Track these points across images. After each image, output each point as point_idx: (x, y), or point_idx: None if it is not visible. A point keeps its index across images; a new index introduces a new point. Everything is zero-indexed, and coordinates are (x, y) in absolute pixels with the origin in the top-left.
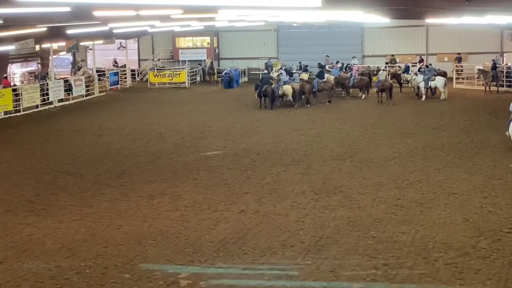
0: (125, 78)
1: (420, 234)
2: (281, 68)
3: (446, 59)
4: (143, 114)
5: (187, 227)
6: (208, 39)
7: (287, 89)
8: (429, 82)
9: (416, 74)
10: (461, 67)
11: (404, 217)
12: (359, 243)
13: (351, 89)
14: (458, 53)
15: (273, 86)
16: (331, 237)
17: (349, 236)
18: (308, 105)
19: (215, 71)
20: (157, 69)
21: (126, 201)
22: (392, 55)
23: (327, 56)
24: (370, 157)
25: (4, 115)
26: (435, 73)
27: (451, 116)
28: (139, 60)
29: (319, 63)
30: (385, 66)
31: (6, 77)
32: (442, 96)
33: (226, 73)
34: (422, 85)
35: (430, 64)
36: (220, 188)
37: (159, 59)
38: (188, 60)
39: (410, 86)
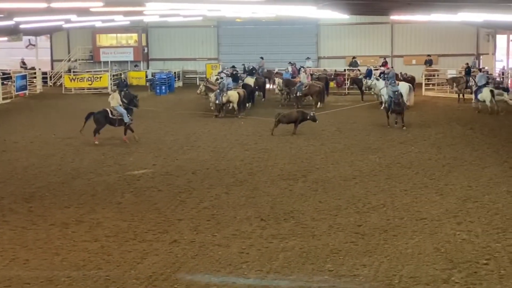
0: (36, 82)
1: (384, 266)
2: (222, 72)
3: (414, 61)
4: (56, 125)
5: (109, 261)
6: (135, 36)
7: (232, 95)
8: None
9: (377, 79)
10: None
11: (366, 247)
12: (314, 278)
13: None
14: (428, 55)
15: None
16: (281, 271)
17: (301, 270)
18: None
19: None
20: (73, 72)
21: (35, 230)
22: (353, 57)
23: (261, 57)
24: (327, 176)
25: None
26: (402, 78)
27: (420, 129)
28: (52, 61)
29: (249, 66)
30: (304, 69)
31: None
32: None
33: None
34: (384, 92)
35: (392, 68)
36: (148, 214)
37: (76, 60)
38: (111, 61)
39: (372, 92)
